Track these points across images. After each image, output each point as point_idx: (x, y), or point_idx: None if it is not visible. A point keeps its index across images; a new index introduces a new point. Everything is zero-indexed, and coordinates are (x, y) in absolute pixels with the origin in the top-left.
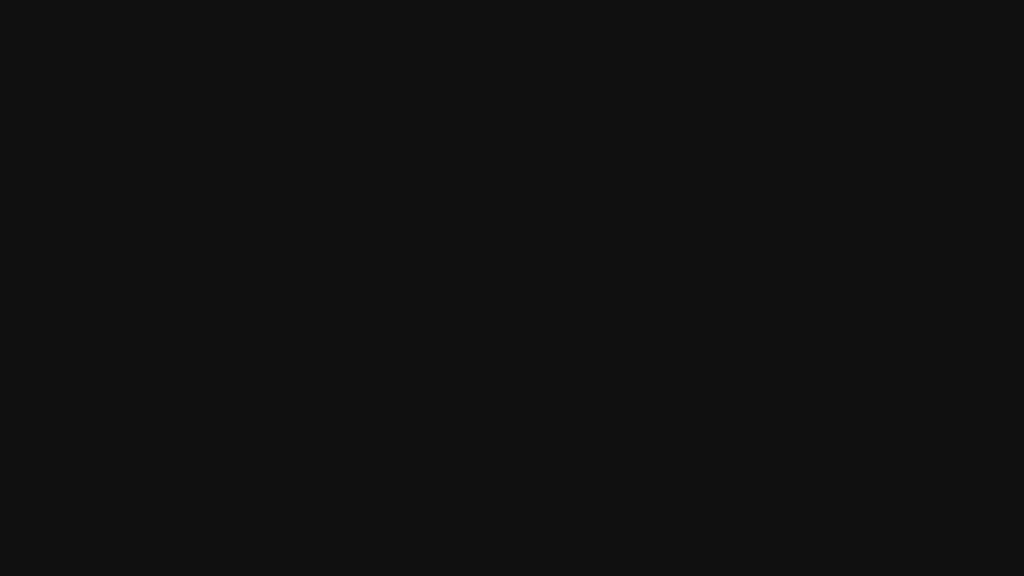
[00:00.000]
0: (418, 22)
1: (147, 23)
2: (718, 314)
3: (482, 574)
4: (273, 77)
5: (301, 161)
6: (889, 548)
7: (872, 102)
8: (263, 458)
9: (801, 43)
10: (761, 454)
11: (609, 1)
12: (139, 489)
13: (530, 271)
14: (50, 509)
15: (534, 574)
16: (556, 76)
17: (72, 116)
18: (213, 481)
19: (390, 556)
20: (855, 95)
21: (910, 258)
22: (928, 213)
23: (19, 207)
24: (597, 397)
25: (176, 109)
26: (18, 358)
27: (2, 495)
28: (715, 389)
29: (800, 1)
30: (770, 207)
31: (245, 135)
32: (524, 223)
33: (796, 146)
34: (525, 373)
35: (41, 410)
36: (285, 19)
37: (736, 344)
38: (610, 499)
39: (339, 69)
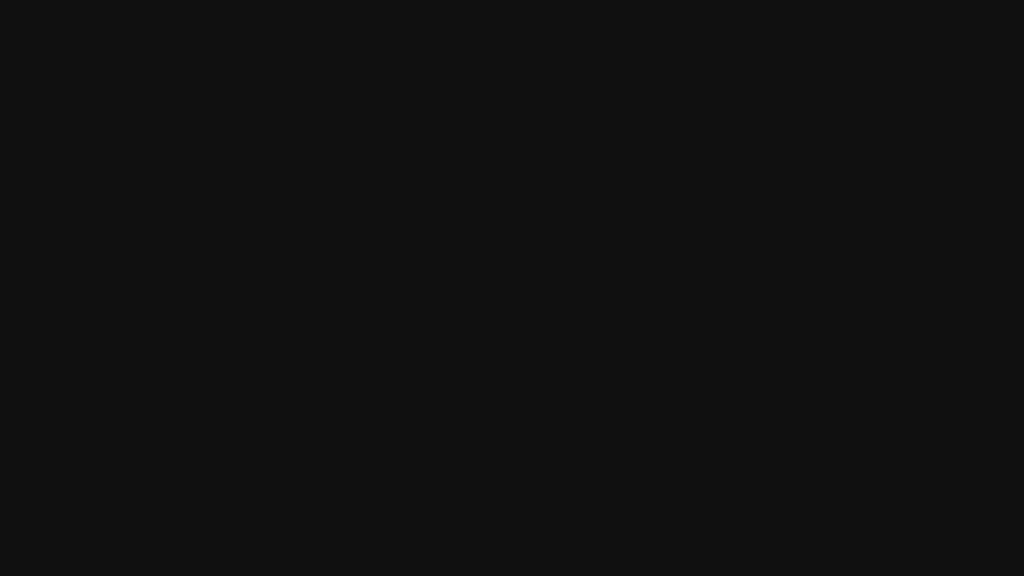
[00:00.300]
0: (418, 22)
1: (147, 23)
2: (718, 314)
3: (482, 574)
4: (273, 77)
5: (301, 161)
6: (889, 548)
7: (872, 102)
8: (263, 458)
9: (801, 43)
10: (761, 454)
11: (609, 1)
12: (139, 489)
13: (530, 271)
14: (50, 509)
15: (534, 574)
16: (556, 76)
17: (72, 116)
18: (213, 481)
19: (390, 556)
20: (855, 95)
21: (910, 258)
22: (928, 213)
23: (19, 207)
24: (597, 397)
25: (176, 109)
26: (18, 358)
27: (2, 495)
28: (715, 389)
29: (800, 1)
30: (770, 207)
31: (245, 135)
32: (524, 223)
33: (796, 146)
34: (525, 373)
35: (41, 410)
36: (285, 19)
37: (736, 344)
38: (610, 499)
39: (339, 69)
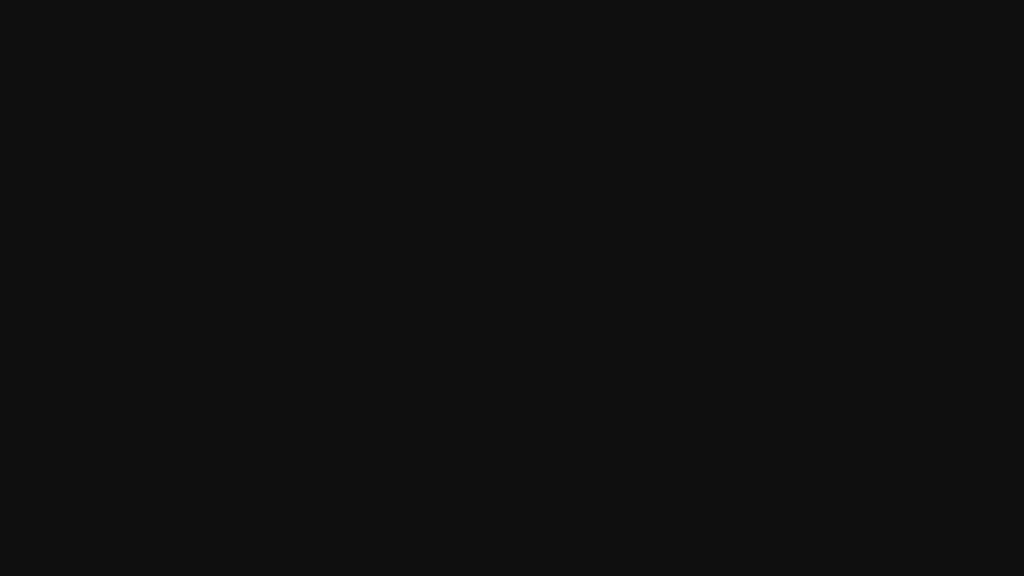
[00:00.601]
0: (418, 22)
1: (147, 23)
2: (718, 314)
3: (482, 574)
4: (273, 77)
5: (301, 161)
6: (889, 548)
7: (872, 102)
8: (263, 458)
9: (801, 43)
10: (761, 454)
11: (609, 1)
12: (139, 489)
13: (530, 271)
14: (50, 509)
15: (534, 574)
16: (556, 76)
17: (72, 116)
18: (213, 481)
19: (390, 556)
20: (855, 95)
21: (910, 258)
22: (928, 213)
23: (19, 207)
24: (597, 397)
25: (176, 109)
26: (18, 358)
27: (2, 495)
28: (715, 389)
29: (800, 1)
30: (770, 207)
31: (245, 135)
32: (524, 223)
33: (796, 146)
34: (525, 373)
35: (41, 410)
36: (285, 19)
37: (736, 344)
38: (610, 499)
39: (339, 69)
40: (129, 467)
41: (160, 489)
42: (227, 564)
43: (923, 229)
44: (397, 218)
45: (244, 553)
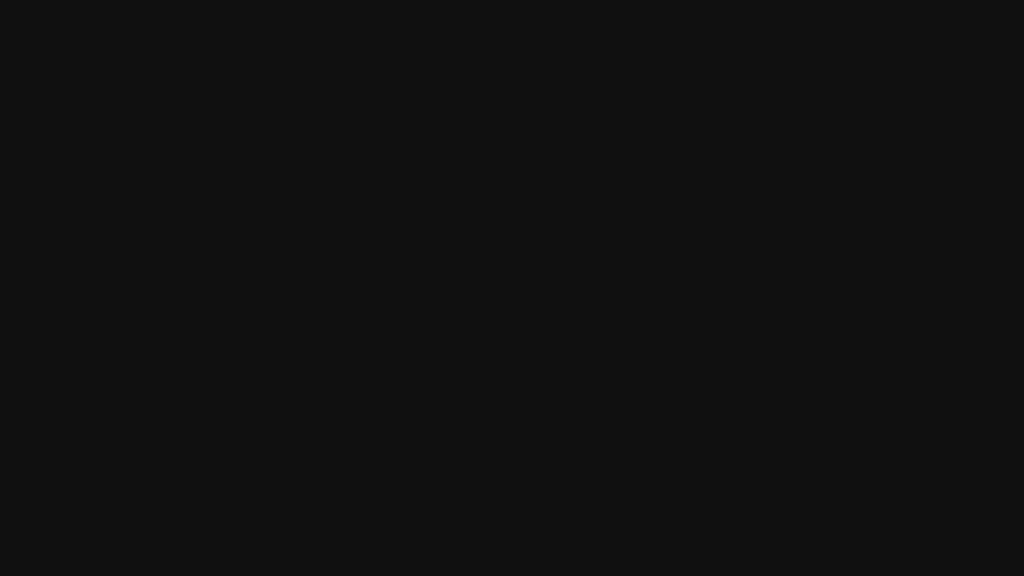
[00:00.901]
0: (418, 22)
1: (147, 23)
2: (718, 314)
3: (482, 574)
4: (273, 77)
5: (301, 161)
6: (889, 548)
7: (872, 102)
8: (263, 458)
9: (801, 43)
10: (761, 454)
11: (609, 1)
12: (139, 489)
13: (531, 271)
14: (50, 509)
15: (534, 574)
16: (556, 76)
17: (72, 116)
18: (213, 481)
19: (390, 556)
20: (855, 95)
21: (910, 258)
22: (928, 213)
23: (19, 207)
24: (597, 397)
25: (176, 109)
26: (18, 358)
27: (2, 495)
28: (715, 389)
29: (800, 1)
30: (770, 207)
31: (245, 135)
32: (524, 223)
33: (796, 146)
34: (525, 373)
35: (41, 410)
36: (285, 19)
37: (736, 344)
38: (610, 499)
39: (339, 69)
40: (129, 467)
41: (160, 489)
42: (227, 564)
43: (923, 229)
44: (397, 218)
45: (244, 553)
